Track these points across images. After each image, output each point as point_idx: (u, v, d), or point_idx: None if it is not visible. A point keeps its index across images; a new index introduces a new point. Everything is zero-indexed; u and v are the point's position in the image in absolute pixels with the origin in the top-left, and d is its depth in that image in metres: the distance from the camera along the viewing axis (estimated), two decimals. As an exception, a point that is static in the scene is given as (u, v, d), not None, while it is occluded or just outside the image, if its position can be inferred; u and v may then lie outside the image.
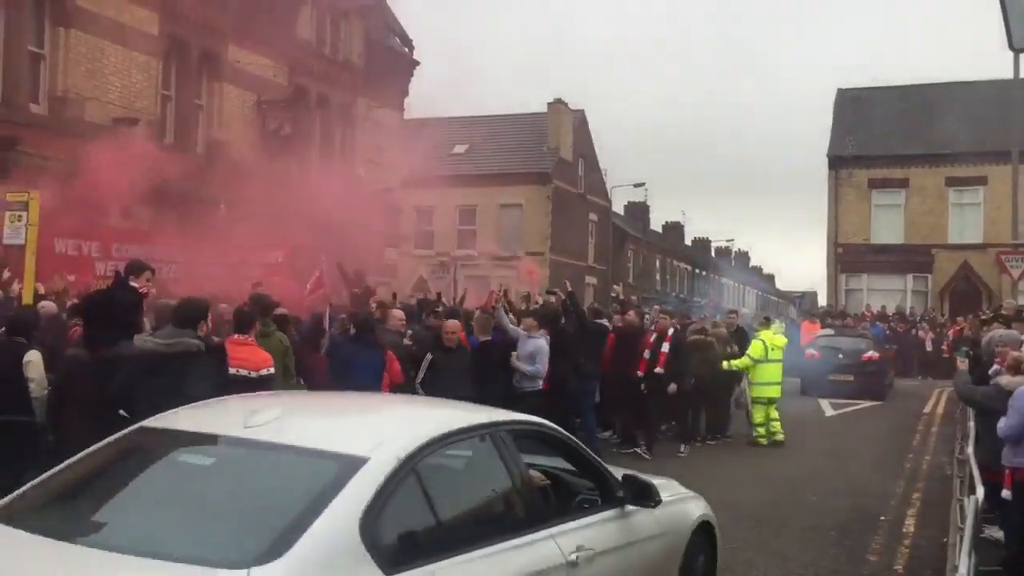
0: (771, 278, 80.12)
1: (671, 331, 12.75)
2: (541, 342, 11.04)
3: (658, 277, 53.34)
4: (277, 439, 3.94)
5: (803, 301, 50.84)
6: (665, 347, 12.45)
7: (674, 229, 59.98)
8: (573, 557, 4.23)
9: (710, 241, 64.52)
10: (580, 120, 40.82)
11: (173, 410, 4.51)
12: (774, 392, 13.84)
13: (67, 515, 3.85)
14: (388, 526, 3.54)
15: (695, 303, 36.67)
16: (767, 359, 13.77)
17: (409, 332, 11.05)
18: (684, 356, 12.77)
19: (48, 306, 9.03)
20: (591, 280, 39.78)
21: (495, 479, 4.32)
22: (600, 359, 12.16)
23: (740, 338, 14.78)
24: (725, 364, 13.68)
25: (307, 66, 23.38)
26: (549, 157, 38.25)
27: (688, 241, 62.52)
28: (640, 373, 12.39)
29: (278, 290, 12.77)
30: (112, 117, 17.83)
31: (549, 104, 38.34)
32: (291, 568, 3.19)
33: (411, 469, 3.75)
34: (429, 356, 9.55)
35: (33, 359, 7.29)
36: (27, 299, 9.62)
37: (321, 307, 12.06)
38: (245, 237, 16.84)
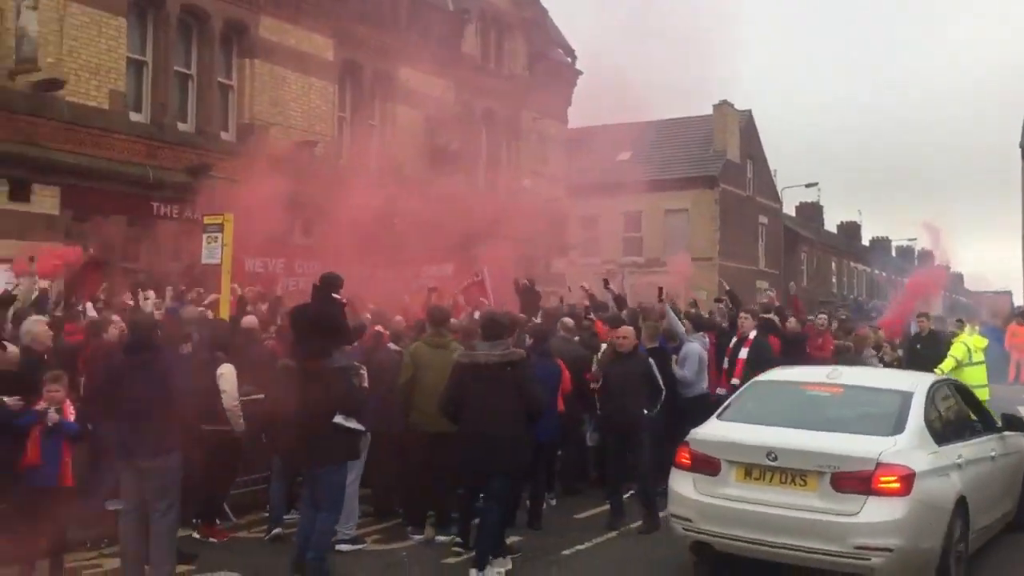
0: (959, 277, 75.35)
1: (752, 335, 11.21)
2: (692, 347, 10.81)
3: (834, 280, 51.22)
4: (858, 383, 7.77)
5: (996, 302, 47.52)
6: (744, 353, 10.90)
7: (850, 229, 57.48)
8: (992, 454, 7.83)
9: (890, 240, 61.36)
10: (747, 121, 39.83)
11: (777, 369, 8.74)
12: (982, 395, 12.96)
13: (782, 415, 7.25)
14: (930, 422, 7.08)
15: (873, 305, 34.95)
16: (971, 362, 13.08)
17: (577, 339, 11.10)
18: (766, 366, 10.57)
19: (249, 320, 9.61)
20: (762, 285, 38.65)
21: (958, 405, 8.07)
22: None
23: (932, 342, 13.99)
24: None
25: (473, 82, 23.92)
26: (715, 160, 37.49)
27: (865, 241, 59.75)
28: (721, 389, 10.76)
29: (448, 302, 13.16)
30: (294, 141, 18.83)
31: (715, 106, 37.60)
32: (909, 434, 6.81)
33: (931, 396, 7.40)
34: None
35: (225, 372, 7.76)
36: (223, 314, 10.28)
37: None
38: (417, 252, 17.38)
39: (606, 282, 15.95)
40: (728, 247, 36.62)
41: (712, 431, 7.27)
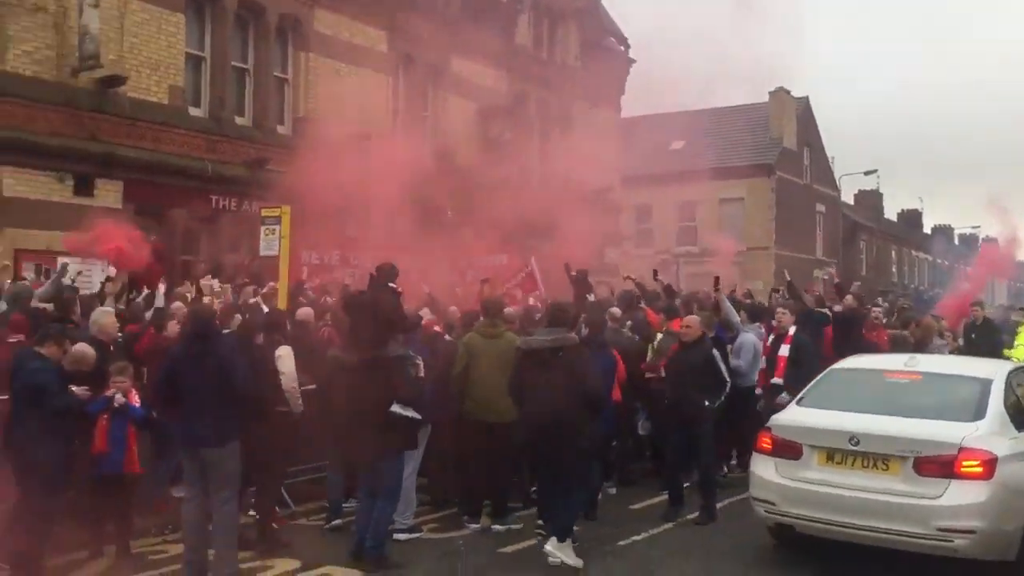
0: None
1: (792, 330, 10.42)
2: (747, 337, 10.67)
3: (894, 269, 50.22)
4: (937, 370, 8.03)
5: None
6: (785, 350, 10.23)
7: (911, 217, 56.27)
8: None
9: (952, 228, 59.97)
10: (804, 107, 39.19)
11: (854, 356, 8.89)
12: None
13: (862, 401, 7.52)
14: (1009, 408, 7.24)
15: (934, 294, 34.20)
16: None
17: (629, 327, 11.04)
18: (810, 363, 9.83)
19: (304, 312, 9.74)
20: (820, 274, 38.04)
21: None
22: (820, 350, 11.47)
23: (987, 330, 13.61)
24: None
25: (525, 71, 23.88)
26: (772, 148, 36.97)
27: (927, 229, 58.44)
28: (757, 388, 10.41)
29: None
30: (348, 133, 18.96)
31: (771, 93, 37.05)
32: (990, 420, 6.99)
33: (1009, 383, 7.55)
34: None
35: (283, 353, 7.88)
36: (282, 304, 10.42)
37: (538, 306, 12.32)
38: (471, 242, 17.44)
39: (655, 273, 15.85)
40: (785, 236, 36.11)
41: (793, 417, 7.54)
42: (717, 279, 12.22)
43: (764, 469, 7.39)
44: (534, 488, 9.59)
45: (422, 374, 7.79)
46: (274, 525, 8.23)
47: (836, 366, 8.39)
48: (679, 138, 36.29)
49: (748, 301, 13.52)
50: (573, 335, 7.71)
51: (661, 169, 34.03)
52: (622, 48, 28.70)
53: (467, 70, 21.96)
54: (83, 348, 7.36)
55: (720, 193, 35.55)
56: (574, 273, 14.97)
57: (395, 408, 7.29)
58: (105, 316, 8.20)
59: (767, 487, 7.31)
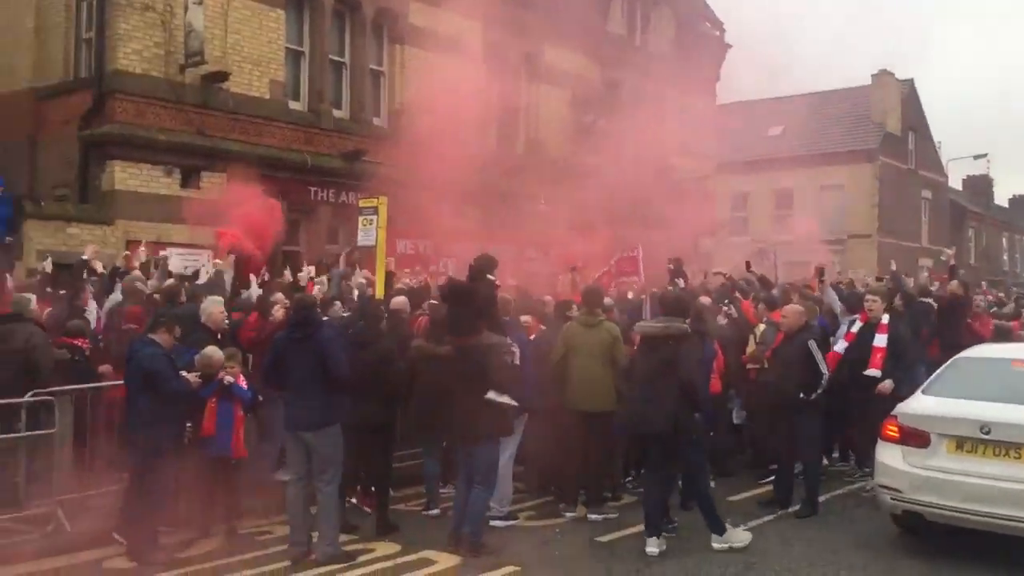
0: None
1: (885, 319, 9.54)
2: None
3: (1005, 256, 48.13)
4: None
5: None
6: (880, 340, 9.37)
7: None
8: None
9: (1068, 213, 57.08)
10: (909, 90, 37.82)
11: (980, 346, 9.01)
12: None
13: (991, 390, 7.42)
14: None
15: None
16: None
17: (725, 317, 10.86)
18: (910, 354, 9.53)
19: (399, 301, 9.88)
20: (926, 262, 36.75)
21: None
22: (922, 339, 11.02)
23: None
24: None
25: (619, 59, 23.67)
26: (874, 132, 35.81)
27: (1041, 215, 55.76)
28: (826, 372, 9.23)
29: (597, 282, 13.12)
30: (443, 124, 19.12)
31: (873, 76, 35.90)
32: None
33: None
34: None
35: None
36: (379, 294, 10.58)
37: (639, 295, 12.20)
38: (564, 231, 17.40)
39: (748, 264, 15.53)
40: (888, 223, 34.97)
41: (921, 405, 7.56)
42: (819, 269, 11.89)
43: (891, 457, 7.40)
44: (628, 478, 9.57)
45: (517, 362, 7.82)
46: (366, 508, 8.40)
47: (962, 355, 8.33)
48: (777, 124, 35.50)
49: (846, 291, 13.11)
50: (683, 325, 7.65)
51: (758, 156, 33.36)
52: (717, 33, 28.17)
53: (560, 58, 21.89)
54: (212, 351, 7.66)
55: (819, 180, 34.63)
56: (671, 266, 14.80)
57: (491, 395, 7.35)
58: (214, 305, 8.47)
59: (894, 475, 7.32)
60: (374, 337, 8.07)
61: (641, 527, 7.78)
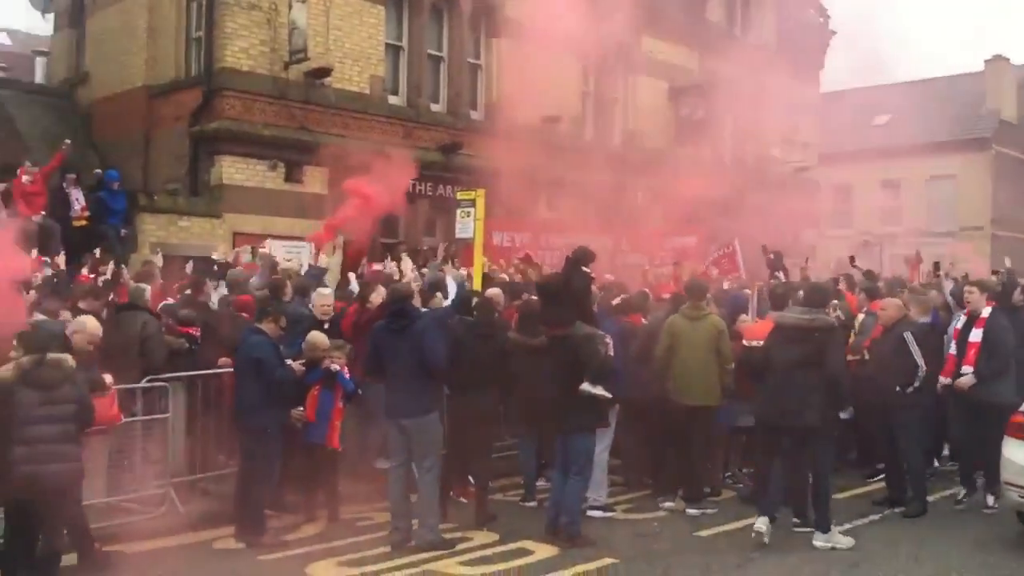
0: None
1: (985, 312, 8.66)
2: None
3: None
4: None
5: None
6: (975, 335, 8.54)
7: None
8: None
9: None
10: (1025, 76, 36.08)
11: None
12: None
13: None
14: None
15: None
16: None
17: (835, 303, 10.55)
18: (1005, 351, 8.51)
19: (494, 291, 9.94)
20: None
21: None
22: None
23: None
24: None
25: (718, 49, 23.25)
26: (988, 121, 34.27)
27: None
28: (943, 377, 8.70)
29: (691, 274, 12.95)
30: (539, 117, 19.15)
31: (987, 61, 34.37)
32: None
33: None
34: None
35: None
36: (476, 286, 10.66)
37: (740, 289, 11.97)
38: (660, 223, 17.22)
39: (852, 259, 15.08)
40: (1004, 215, 33.41)
41: None
42: (936, 264, 11.46)
43: (1018, 454, 7.21)
44: (728, 474, 9.39)
45: (612, 353, 7.77)
46: (462, 499, 8.47)
47: None
48: (883, 112, 34.33)
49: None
50: (831, 318, 7.54)
51: (863, 146, 32.34)
52: (821, 20, 27.42)
53: (658, 49, 21.65)
54: (317, 335, 7.91)
55: (929, 170, 33.33)
56: (771, 255, 14.50)
57: (585, 386, 7.34)
58: (322, 297, 8.67)
59: (1022, 472, 7.14)
60: (491, 330, 8.14)
61: (743, 522, 7.68)
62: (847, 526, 7.88)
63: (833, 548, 7.27)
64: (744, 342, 8.49)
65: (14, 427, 5.78)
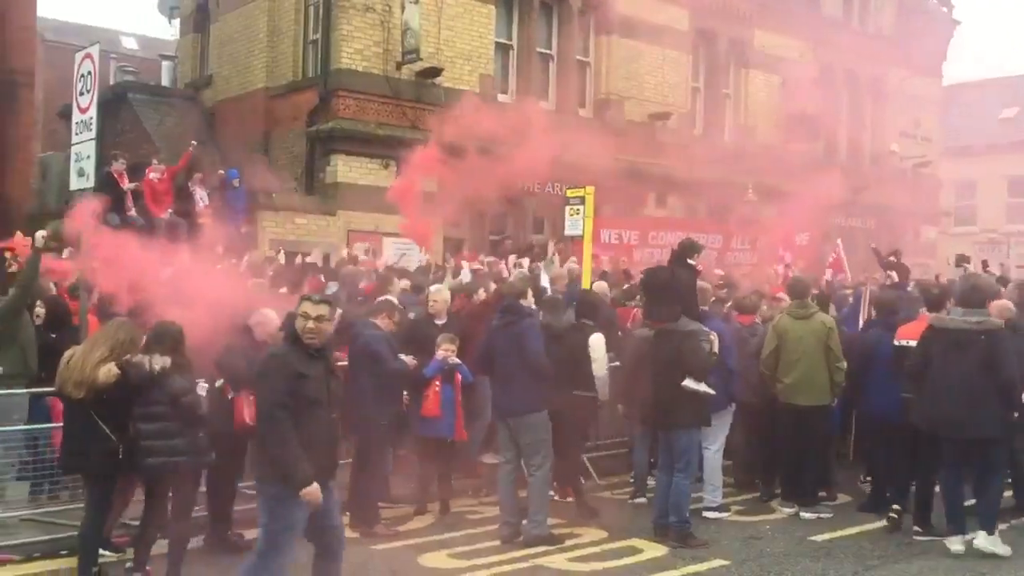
0: None
1: None
2: None
3: None
4: None
5: None
6: None
7: None
8: None
9: None
10: None
11: None
12: None
13: None
14: None
15: None
16: None
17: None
18: None
19: (600, 286, 9.91)
20: None
21: None
22: None
23: None
24: None
25: (834, 42, 22.60)
26: None
27: None
28: None
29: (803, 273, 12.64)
30: (648, 114, 19.01)
31: None
32: None
33: None
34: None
35: (595, 342, 8.04)
36: (585, 284, 10.64)
37: (841, 288, 11.66)
38: (773, 220, 16.84)
39: (985, 264, 14.43)
40: None
41: None
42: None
43: None
44: (868, 477, 9.01)
45: (716, 350, 7.64)
46: (568, 498, 8.47)
47: None
48: (1011, 105, 32.75)
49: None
50: (998, 320, 7.24)
51: (989, 140, 30.92)
52: (944, 10, 26.34)
53: (770, 44, 21.18)
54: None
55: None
56: (891, 257, 14.01)
57: (688, 382, 7.25)
58: (440, 292, 8.80)
59: None
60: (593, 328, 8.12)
61: (858, 528, 7.47)
62: (969, 536, 7.57)
63: (963, 552, 6.99)
64: (896, 342, 8.15)
65: (133, 419, 5.96)
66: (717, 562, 6.91)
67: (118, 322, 6.24)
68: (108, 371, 5.85)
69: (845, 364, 8.12)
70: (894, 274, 13.58)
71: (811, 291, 8.93)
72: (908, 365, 7.47)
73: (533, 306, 7.89)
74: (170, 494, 6.17)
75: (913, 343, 7.59)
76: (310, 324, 5.08)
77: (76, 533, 6.25)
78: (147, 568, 6.14)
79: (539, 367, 7.23)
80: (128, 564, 6.26)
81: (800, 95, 21.39)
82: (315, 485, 4.95)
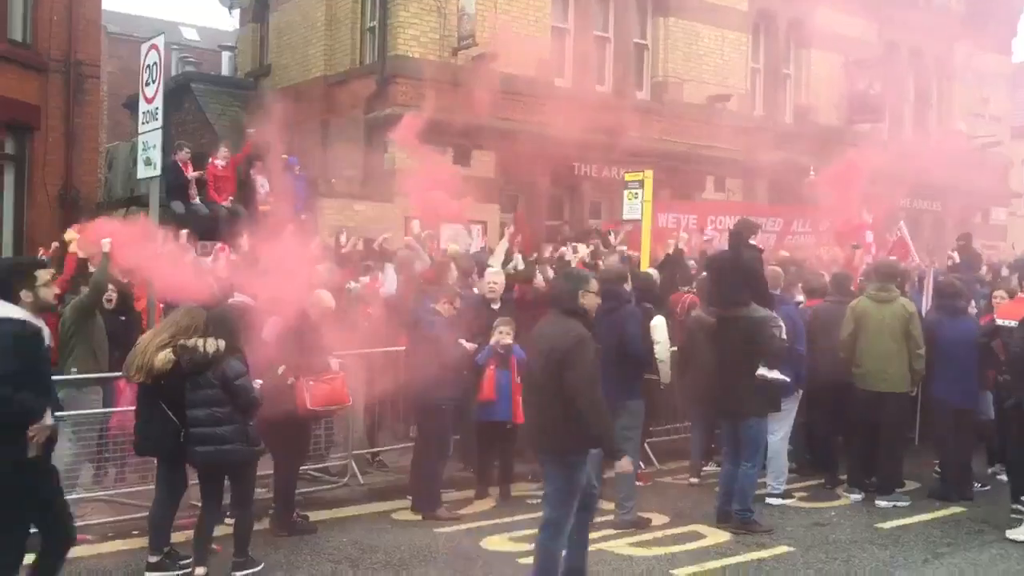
0: None
1: None
2: None
3: None
4: None
5: None
6: None
7: None
8: None
9: None
10: None
11: None
12: None
13: None
14: None
15: None
16: None
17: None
18: None
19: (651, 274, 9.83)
20: None
21: None
22: None
23: None
24: None
25: (898, 19, 22.03)
26: None
27: None
28: None
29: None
30: (707, 95, 18.74)
31: None
32: None
33: None
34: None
35: (658, 323, 7.95)
36: (643, 267, 10.57)
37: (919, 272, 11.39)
38: (834, 203, 16.51)
39: None
40: None
41: None
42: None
43: None
44: (999, 465, 8.78)
45: (784, 336, 7.52)
46: (639, 483, 8.41)
47: None
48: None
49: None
50: None
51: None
52: (1014, -16, 25.49)
53: (833, 22, 20.70)
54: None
55: None
56: (960, 241, 13.65)
57: (761, 371, 7.14)
58: (492, 275, 8.81)
59: None
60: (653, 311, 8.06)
61: (928, 516, 7.35)
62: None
63: None
64: (998, 320, 7.92)
65: (183, 407, 5.99)
66: (782, 548, 6.83)
67: (184, 308, 6.33)
68: (164, 357, 5.96)
69: (923, 350, 7.92)
70: (956, 255, 13.27)
71: (898, 275, 8.73)
72: (1010, 345, 7.23)
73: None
74: (227, 482, 6.22)
75: (1014, 323, 7.38)
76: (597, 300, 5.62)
77: (146, 514, 6.40)
78: (215, 547, 6.23)
79: (638, 353, 7.14)
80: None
81: (863, 74, 20.94)
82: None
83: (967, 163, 20.88)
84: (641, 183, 11.67)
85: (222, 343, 5.99)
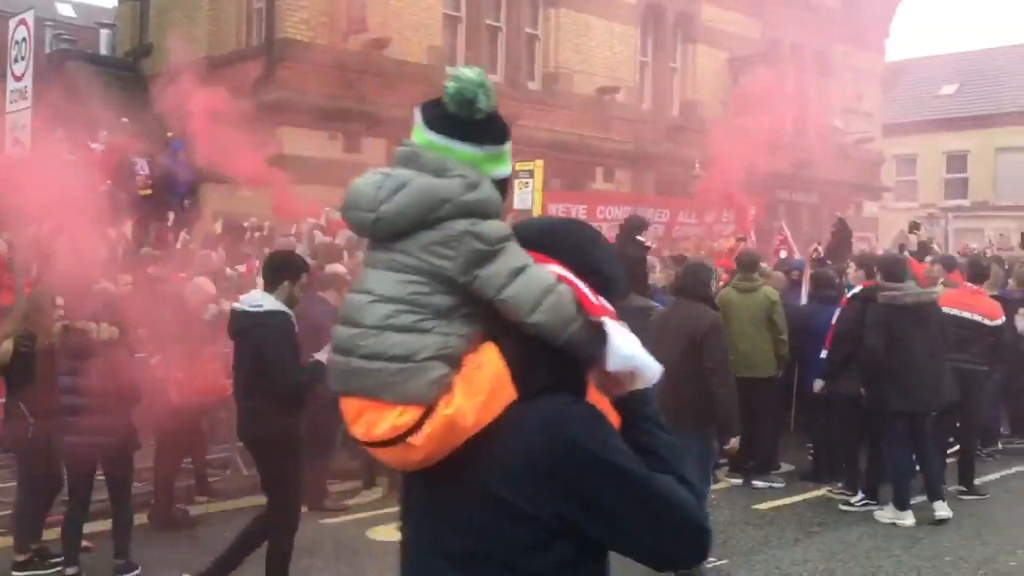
0: None
1: None
2: None
3: None
4: None
5: None
6: None
7: None
8: None
9: None
10: (1102, 43, 34.72)
11: None
12: None
13: None
14: None
15: None
16: None
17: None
18: None
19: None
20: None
21: None
22: None
23: None
24: None
25: (780, 17, 22.81)
26: (1060, 90, 33.09)
27: None
28: None
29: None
30: (596, 87, 19.01)
31: (1060, 28, 33.16)
32: None
33: None
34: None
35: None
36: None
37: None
38: (718, 195, 17.01)
39: (915, 225, 14.78)
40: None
41: None
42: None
43: None
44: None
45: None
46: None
47: None
48: (950, 82, 33.42)
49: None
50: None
51: (929, 116, 31.53)
52: (887, -14, 26.71)
53: (717, 18, 21.29)
54: None
55: (997, 141, 32.35)
56: (838, 216, 14.23)
57: None
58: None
59: None
60: None
61: (802, 496, 7.65)
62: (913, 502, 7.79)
63: (894, 524, 7.19)
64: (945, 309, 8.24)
65: (54, 395, 5.71)
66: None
67: (30, 293, 6.09)
68: (4, 348, 5.73)
69: (786, 336, 8.26)
70: (820, 247, 13.82)
71: (760, 264, 9.04)
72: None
73: None
74: (102, 476, 5.99)
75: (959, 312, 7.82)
76: None
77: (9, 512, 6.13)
78: (87, 544, 5.99)
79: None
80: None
81: (746, 69, 21.59)
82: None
83: (842, 158, 21.83)
84: (531, 173, 11.80)
85: (115, 331, 5.75)
